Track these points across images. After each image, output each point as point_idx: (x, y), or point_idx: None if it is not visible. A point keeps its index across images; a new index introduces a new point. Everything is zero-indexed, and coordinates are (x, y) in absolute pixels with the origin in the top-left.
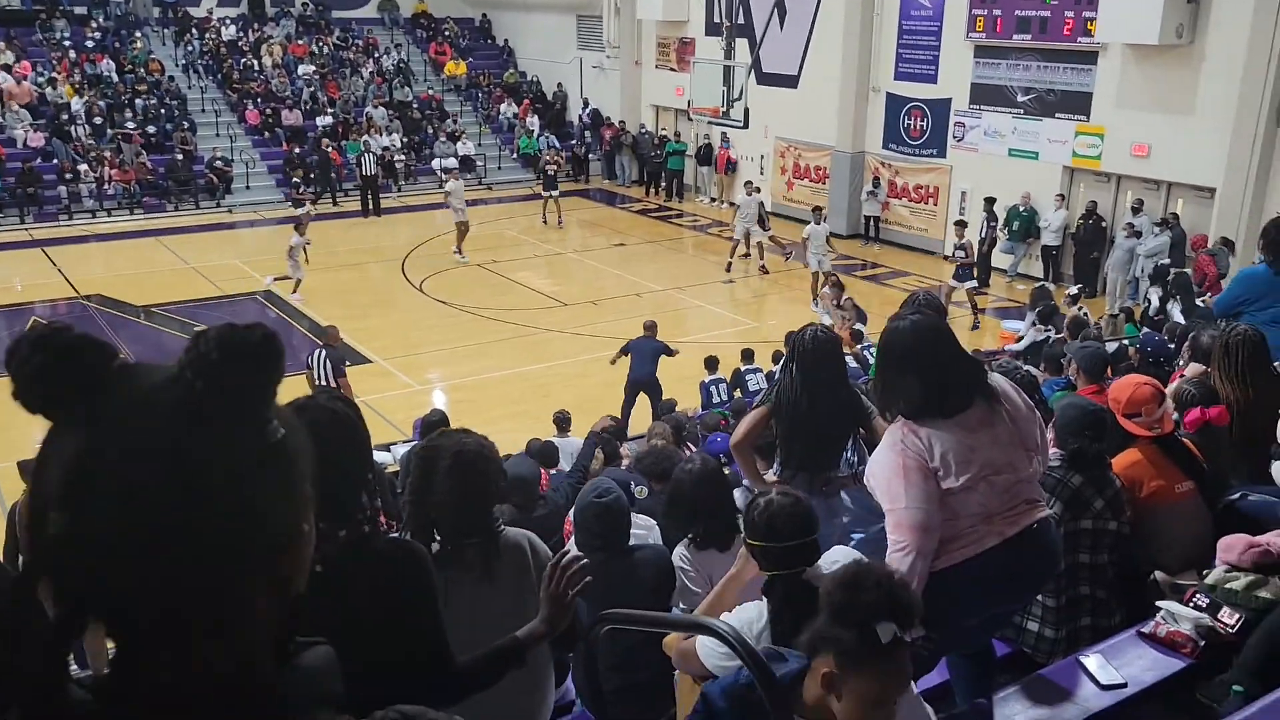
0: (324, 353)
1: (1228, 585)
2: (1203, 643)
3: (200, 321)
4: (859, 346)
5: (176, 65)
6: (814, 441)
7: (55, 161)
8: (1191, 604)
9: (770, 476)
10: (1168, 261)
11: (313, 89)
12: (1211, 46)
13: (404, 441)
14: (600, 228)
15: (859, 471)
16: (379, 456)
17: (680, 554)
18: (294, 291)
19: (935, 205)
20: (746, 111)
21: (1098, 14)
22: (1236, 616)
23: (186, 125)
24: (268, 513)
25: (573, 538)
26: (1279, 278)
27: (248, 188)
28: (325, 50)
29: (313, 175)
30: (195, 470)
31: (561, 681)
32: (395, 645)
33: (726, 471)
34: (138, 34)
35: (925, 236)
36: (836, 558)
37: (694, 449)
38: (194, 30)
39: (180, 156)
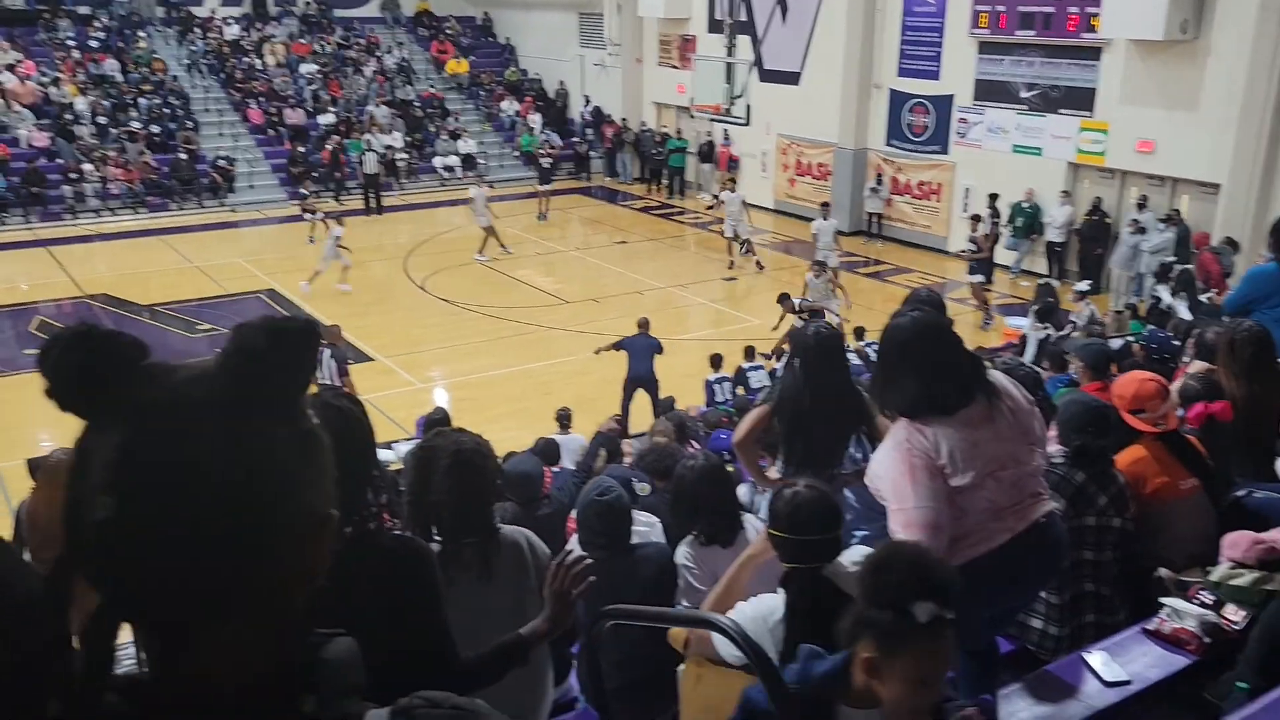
0: (327, 351)
1: (1233, 582)
2: (1208, 640)
3: (204, 320)
4: (861, 343)
5: (180, 65)
6: (817, 439)
7: (60, 161)
8: (1196, 601)
9: (773, 474)
10: (1173, 258)
11: (315, 88)
12: (1216, 42)
13: (406, 439)
14: (602, 225)
15: (862, 469)
16: (382, 455)
17: (684, 552)
18: (308, 281)
19: (938, 202)
20: (748, 108)
21: (1101, 9)
22: (1241, 613)
23: (190, 125)
24: (306, 497)
25: (574, 536)
26: None
27: (251, 187)
28: (328, 49)
29: (315, 174)
30: (243, 454)
31: (563, 679)
32: (399, 642)
33: (730, 469)
34: (141, 33)
35: (929, 233)
36: (857, 557)
37: (696, 446)
38: (197, 29)
39: (184, 156)
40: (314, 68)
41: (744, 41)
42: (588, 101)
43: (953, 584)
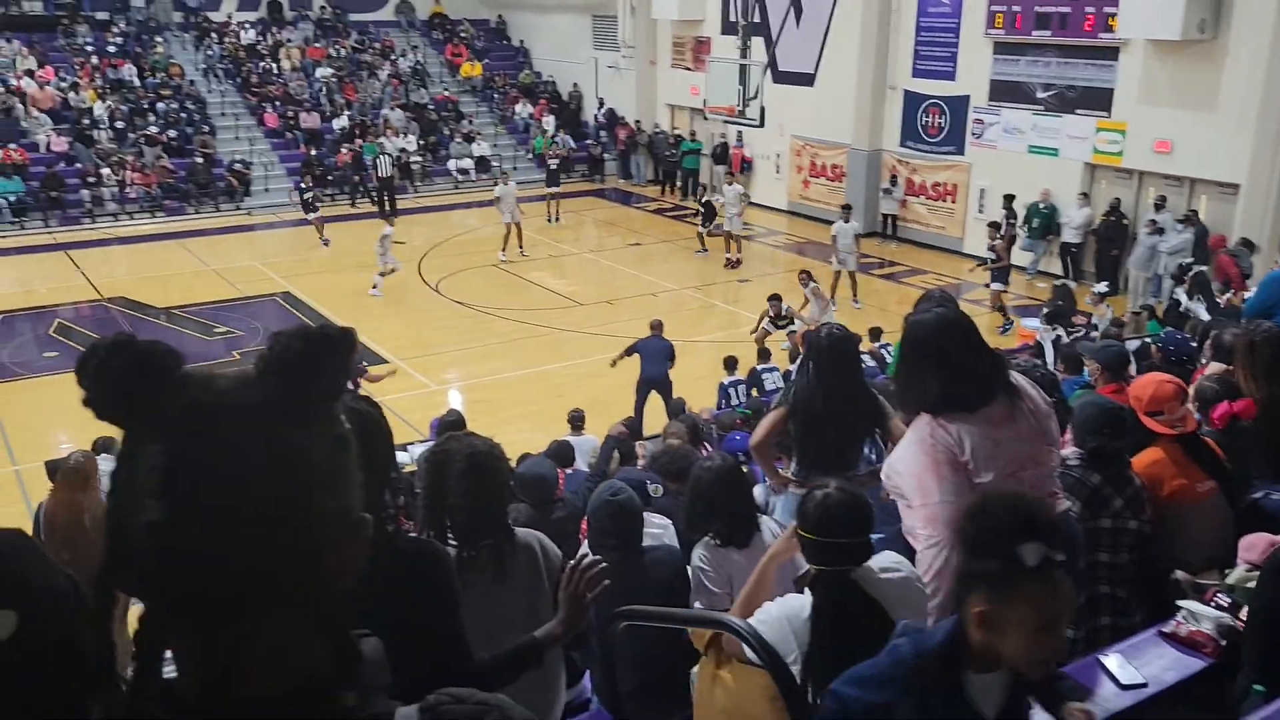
0: None
1: (1249, 585)
2: (1224, 642)
3: (220, 323)
4: (876, 344)
5: (196, 69)
6: (831, 441)
7: (78, 165)
8: (1213, 603)
9: (786, 474)
10: (1191, 259)
11: (330, 92)
12: (1235, 41)
13: (421, 441)
14: (615, 227)
15: (877, 469)
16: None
17: (699, 554)
18: (375, 286)
19: (953, 203)
20: (762, 110)
21: (1119, 9)
22: None
23: (207, 129)
24: (344, 500)
25: (586, 538)
26: None
27: (266, 190)
28: (343, 53)
29: (329, 176)
30: (286, 457)
31: (575, 681)
32: (415, 644)
33: (745, 470)
34: (158, 39)
35: (943, 234)
36: (886, 563)
37: (709, 449)
38: (213, 34)
39: (200, 160)
40: (329, 71)
41: (758, 43)
42: (602, 104)
43: (1058, 523)
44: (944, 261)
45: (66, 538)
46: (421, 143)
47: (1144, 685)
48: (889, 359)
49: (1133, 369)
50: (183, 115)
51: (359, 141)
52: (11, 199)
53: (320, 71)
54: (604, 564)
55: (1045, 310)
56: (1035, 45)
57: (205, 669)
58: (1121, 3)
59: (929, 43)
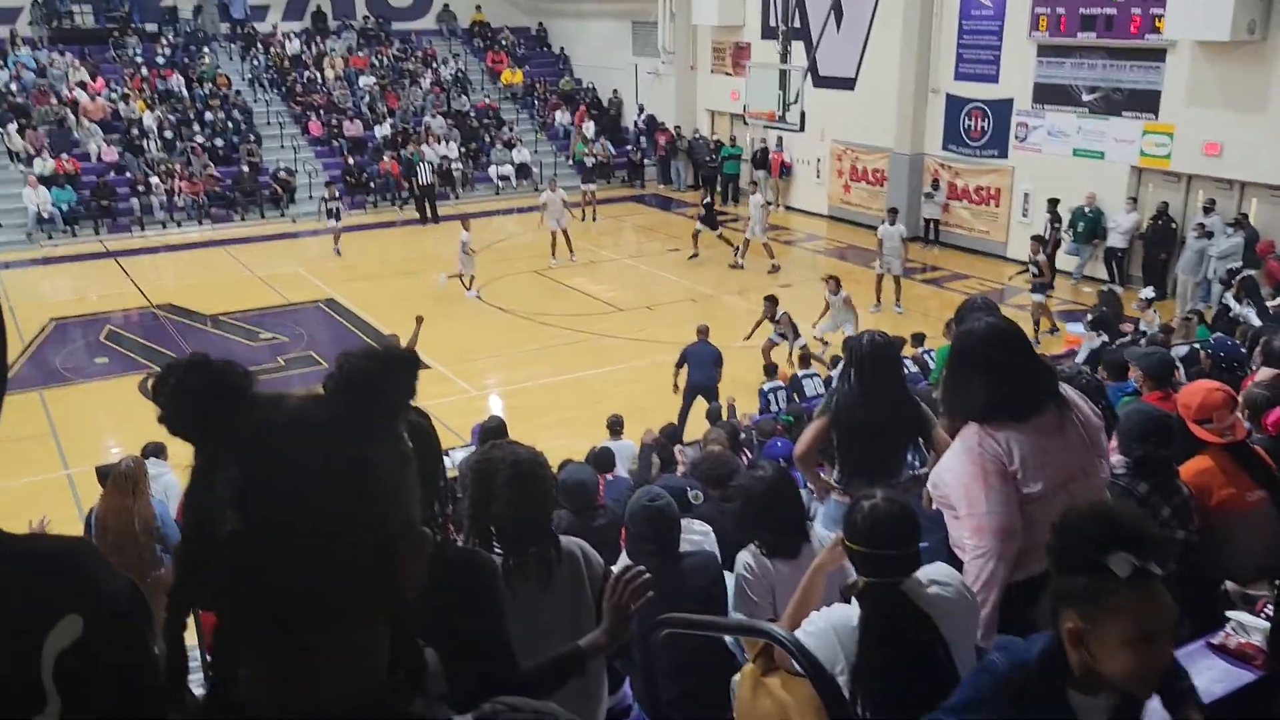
0: None
1: None
2: (1274, 654)
3: (266, 329)
4: (919, 350)
5: (243, 79)
6: (874, 449)
7: (128, 175)
8: (1263, 614)
9: (830, 483)
10: (1240, 264)
11: (372, 100)
12: None
13: (462, 447)
14: (655, 233)
15: (921, 476)
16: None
17: (745, 561)
18: (469, 289)
19: (997, 207)
20: (803, 115)
21: (1166, 10)
22: None
23: (253, 138)
24: (408, 514)
25: (624, 544)
26: None
27: (310, 197)
28: (385, 62)
29: (372, 184)
30: (356, 472)
31: (616, 688)
32: (462, 653)
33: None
34: (206, 50)
35: (987, 239)
36: (936, 575)
37: (749, 455)
38: (259, 45)
39: (246, 168)
40: (372, 80)
41: (798, 48)
42: (641, 109)
43: (1149, 533)
44: (987, 266)
45: (117, 542)
46: (463, 150)
47: None
48: (931, 365)
49: (1181, 375)
50: (229, 124)
51: (410, 148)
52: (64, 208)
53: (363, 80)
54: (647, 575)
55: (1090, 316)
56: (1080, 47)
57: (275, 681)
58: (1169, 4)
59: (972, 46)
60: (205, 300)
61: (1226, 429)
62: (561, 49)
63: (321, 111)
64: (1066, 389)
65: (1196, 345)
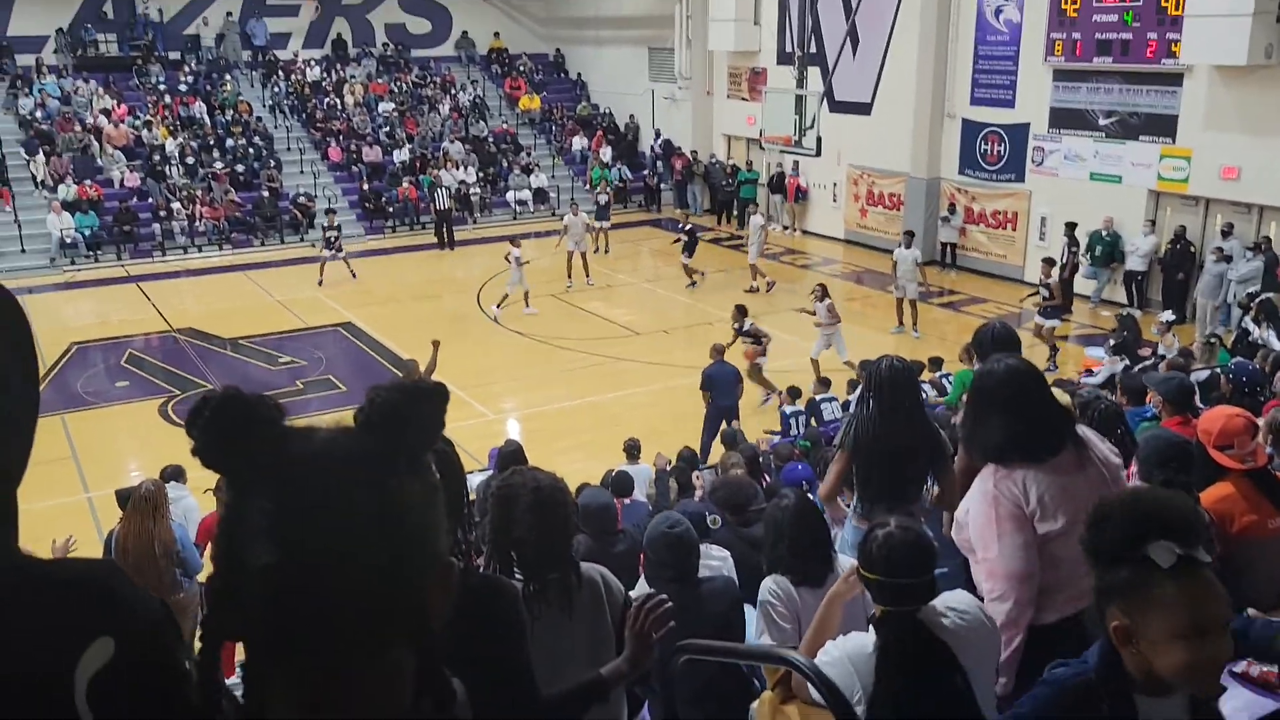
0: None
1: None
2: None
3: (284, 353)
4: (937, 374)
5: (264, 106)
6: (893, 475)
7: (150, 200)
8: None
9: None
10: (1260, 287)
11: (390, 126)
12: None
13: (479, 471)
14: (671, 257)
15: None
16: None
17: (768, 587)
18: (527, 306)
19: (1014, 231)
20: (819, 140)
21: (1182, 36)
22: None
23: (273, 163)
24: (437, 544)
25: (643, 569)
26: None
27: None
28: (404, 88)
29: (390, 209)
30: (387, 504)
31: (634, 714)
32: (485, 679)
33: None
34: (228, 77)
35: (1004, 263)
36: (953, 602)
37: (768, 479)
38: (280, 72)
39: (266, 193)
40: (391, 106)
41: (814, 73)
42: (658, 134)
43: (1193, 518)
44: (1004, 290)
45: (136, 565)
46: (481, 175)
47: None
48: (949, 389)
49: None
50: (250, 150)
51: (433, 173)
52: (87, 233)
53: (382, 106)
54: (669, 604)
55: (1112, 342)
56: (1096, 72)
57: (306, 710)
58: (1185, 29)
59: (987, 70)
60: (225, 324)
61: (1247, 455)
62: (579, 75)
63: (341, 137)
64: (1084, 429)
65: (1217, 369)
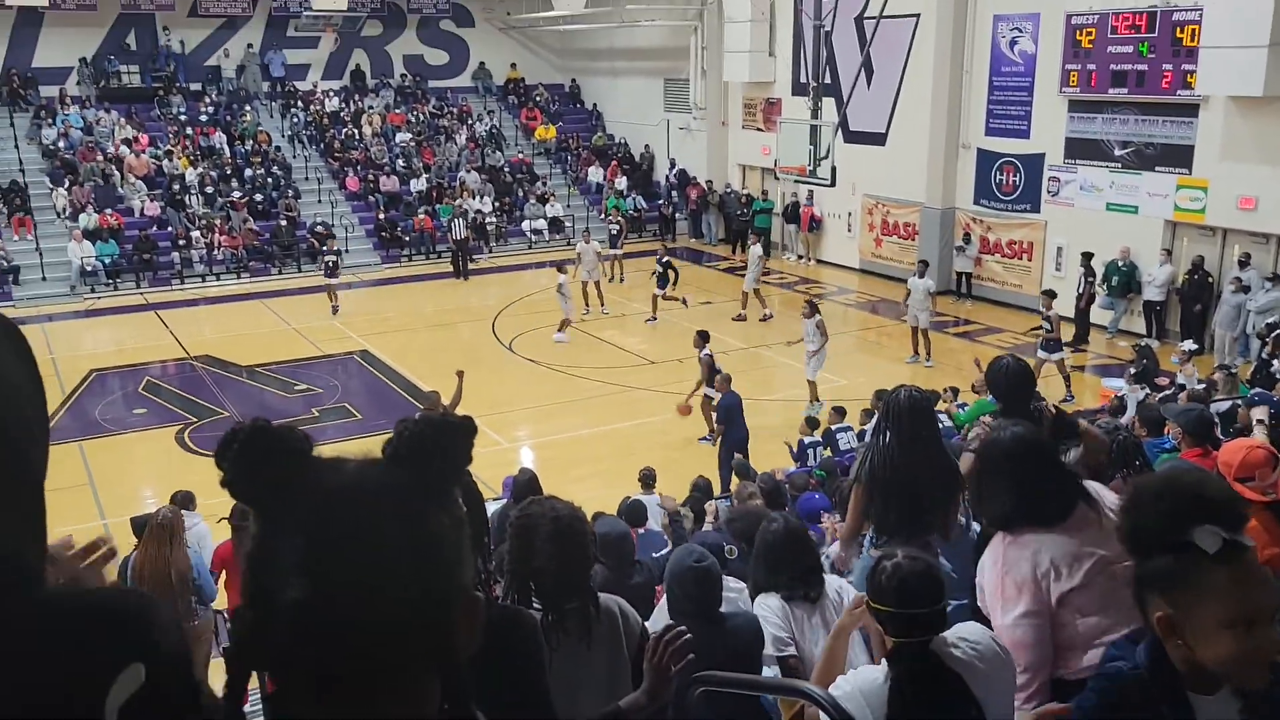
0: None
1: None
2: None
3: (301, 380)
4: (953, 403)
5: (283, 136)
6: (912, 507)
7: (169, 229)
8: None
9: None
10: (1277, 318)
11: (408, 156)
12: None
13: (494, 500)
14: (686, 286)
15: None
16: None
17: (766, 603)
18: (560, 331)
19: (1029, 261)
20: (833, 169)
21: (1198, 67)
22: None
23: (291, 193)
24: (463, 576)
25: (663, 600)
26: None
27: (346, 250)
28: (421, 118)
29: (407, 238)
30: (417, 536)
31: None
32: (504, 710)
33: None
34: (247, 108)
35: (1020, 293)
36: (964, 633)
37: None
38: (299, 103)
39: (284, 222)
40: (408, 136)
41: (829, 104)
42: (673, 164)
43: (1234, 501)
44: (1020, 320)
45: (153, 592)
46: (496, 204)
47: None
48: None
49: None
50: (269, 180)
51: (453, 203)
52: (107, 261)
53: (400, 136)
54: (688, 635)
55: (1132, 370)
56: (1112, 103)
57: None
58: (1200, 60)
59: (1002, 101)
60: (242, 352)
61: (1268, 487)
62: (594, 105)
63: (359, 167)
64: (1094, 486)
65: (1238, 401)
